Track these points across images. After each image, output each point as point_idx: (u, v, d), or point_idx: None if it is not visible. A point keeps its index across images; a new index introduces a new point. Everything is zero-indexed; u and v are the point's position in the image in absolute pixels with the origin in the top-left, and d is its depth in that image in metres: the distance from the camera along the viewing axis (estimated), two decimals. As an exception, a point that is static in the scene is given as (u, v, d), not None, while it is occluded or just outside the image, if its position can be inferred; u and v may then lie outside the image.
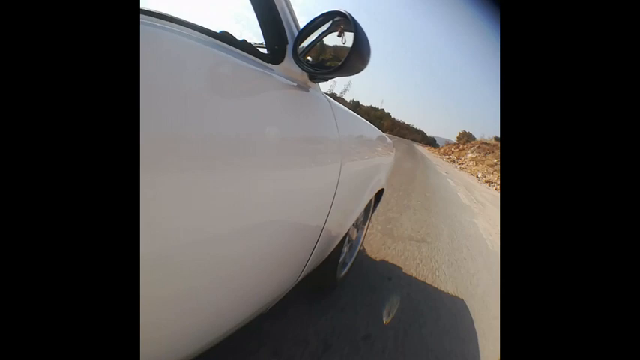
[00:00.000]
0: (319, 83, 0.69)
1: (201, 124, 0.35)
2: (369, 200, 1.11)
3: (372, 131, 1.13)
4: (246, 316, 0.57)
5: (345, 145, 0.75)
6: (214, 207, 0.38)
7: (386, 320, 1.13)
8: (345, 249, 1.22)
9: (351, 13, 0.55)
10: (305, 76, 0.60)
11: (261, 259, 0.51)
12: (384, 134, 1.32)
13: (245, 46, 0.53)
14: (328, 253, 0.90)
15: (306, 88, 0.61)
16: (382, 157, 1.21)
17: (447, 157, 21.56)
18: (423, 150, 24.45)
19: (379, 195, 1.40)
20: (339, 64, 0.53)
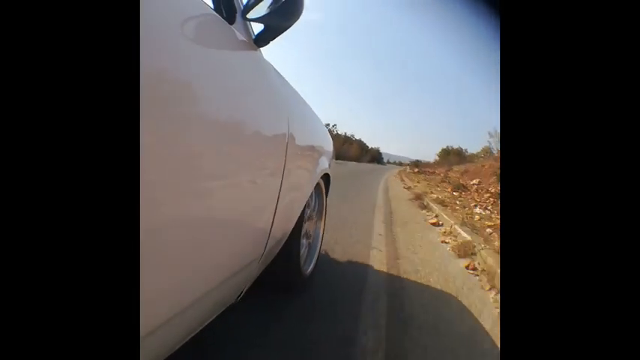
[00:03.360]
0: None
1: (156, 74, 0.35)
2: (317, 179, 1.12)
3: (312, 112, 1.17)
4: (216, 299, 0.58)
5: (291, 116, 0.78)
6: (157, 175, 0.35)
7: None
8: (305, 248, 1.23)
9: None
10: (251, 39, 0.64)
11: (209, 235, 0.49)
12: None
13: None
14: (288, 229, 0.91)
15: (254, 50, 0.65)
16: (324, 140, 1.24)
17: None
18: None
19: (327, 184, 1.41)
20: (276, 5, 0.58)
